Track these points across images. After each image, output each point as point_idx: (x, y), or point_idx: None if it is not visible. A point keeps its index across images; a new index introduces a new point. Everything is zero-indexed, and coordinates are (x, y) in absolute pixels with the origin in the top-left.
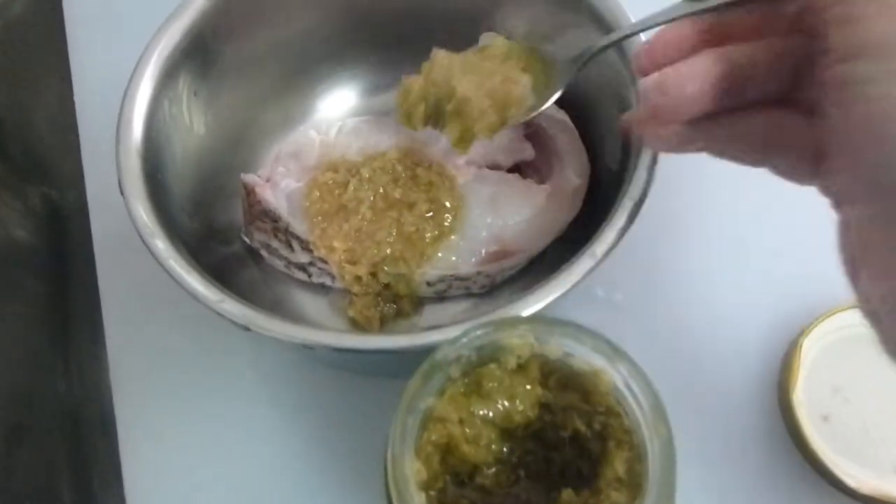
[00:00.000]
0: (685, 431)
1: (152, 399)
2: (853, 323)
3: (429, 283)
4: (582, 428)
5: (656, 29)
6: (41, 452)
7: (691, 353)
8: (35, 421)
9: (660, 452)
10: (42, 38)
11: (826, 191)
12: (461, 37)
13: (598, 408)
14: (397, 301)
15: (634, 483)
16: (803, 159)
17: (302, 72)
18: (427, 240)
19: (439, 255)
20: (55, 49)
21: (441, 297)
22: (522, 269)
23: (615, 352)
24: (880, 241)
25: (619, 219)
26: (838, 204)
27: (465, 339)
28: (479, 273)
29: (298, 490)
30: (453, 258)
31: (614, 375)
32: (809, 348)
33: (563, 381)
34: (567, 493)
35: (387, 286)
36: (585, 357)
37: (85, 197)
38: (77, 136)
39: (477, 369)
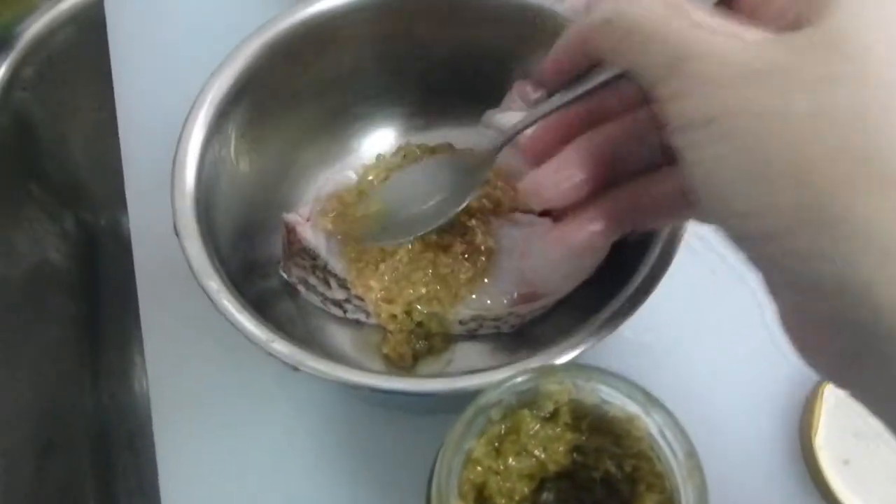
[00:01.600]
0: (708, 473)
1: (191, 425)
2: None
3: (461, 322)
4: (613, 469)
5: None
6: (70, 469)
7: (714, 396)
8: (65, 437)
9: (693, 498)
10: (85, 69)
11: None
12: (495, 82)
13: (630, 451)
14: (429, 338)
15: None
16: (687, 211)
17: (341, 112)
18: (462, 281)
19: (472, 296)
20: (97, 80)
21: (472, 335)
22: (549, 308)
23: (650, 400)
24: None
25: (655, 265)
26: None
27: (508, 384)
28: (510, 314)
29: None
30: (486, 300)
31: (648, 423)
32: (831, 392)
33: (596, 425)
34: None
35: (420, 324)
36: (620, 403)
37: (120, 222)
38: (118, 163)
39: (513, 414)
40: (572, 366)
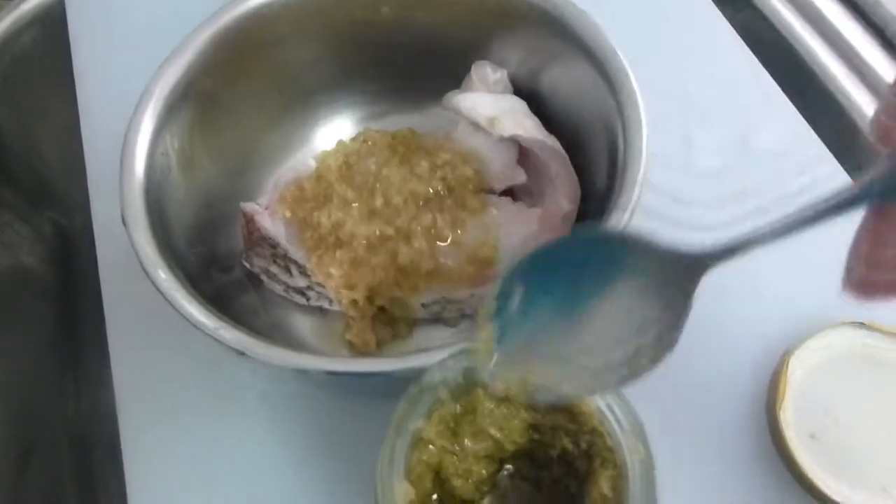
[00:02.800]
0: (673, 450)
1: (157, 421)
2: (840, 342)
3: (424, 306)
4: (569, 447)
5: None
6: (49, 473)
7: (679, 372)
8: (43, 443)
9: (639, 471)
10: (50, 69)
11: None
12: (457, 67)
13: (584, 427)
14: (393, 324)
15: (619, 501)
16: None
17: (300, 101)
18: (421, 272)
19: (434, 283)
20: (62, 79)
21: (436, 319)
22: None
23: None
24: None
25: None
26: None
27: (450, 363)
28: (472, 295)
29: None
30: (447, 282)
31: (596, 398)
32: (796, 367)
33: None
34: None
35: (382, 309)
36: None
37: (91, 223)
38: (84, 164)
39: (468, 394)
40: None
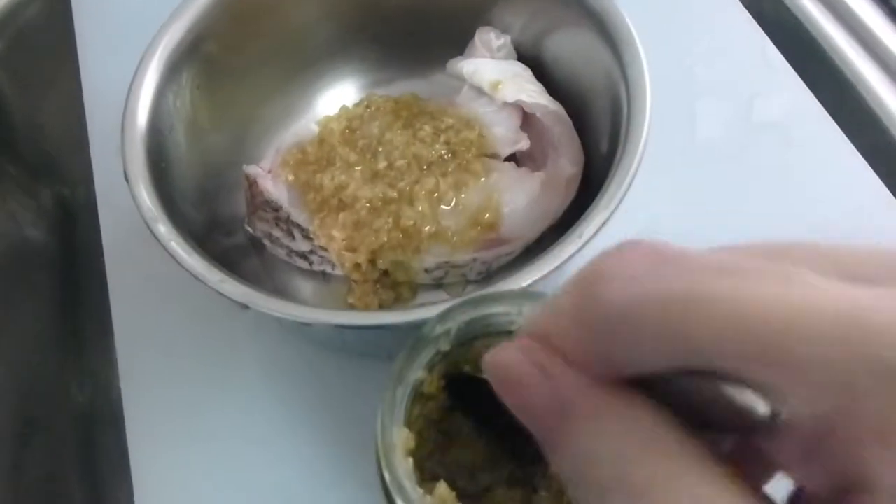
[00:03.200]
0: None
1: (159, 391)
2: None
3: (427, 270)
4: None
5: None
6: (51, 448)
7: None
8: (46, 417)
9: None
10: (53, 40)
11: None
12: (460, 33)
13: None
14: (396, 288)
15: None
16: None
17: (303, 67)
18: (424, 234)
19: (437, 245)
20: (65, 51)
21: (438, 284)
22: (518, 256)
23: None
24: None
25: (606, 202)
26: None
27: (451, 314)
28: (475, 260)
29: (302, 472)
30: (449, 244)
31: None
32: None
33: None
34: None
35: (385, 273)
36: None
37: (94, 194)
38: (86, 135)
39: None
40: (518, 292)
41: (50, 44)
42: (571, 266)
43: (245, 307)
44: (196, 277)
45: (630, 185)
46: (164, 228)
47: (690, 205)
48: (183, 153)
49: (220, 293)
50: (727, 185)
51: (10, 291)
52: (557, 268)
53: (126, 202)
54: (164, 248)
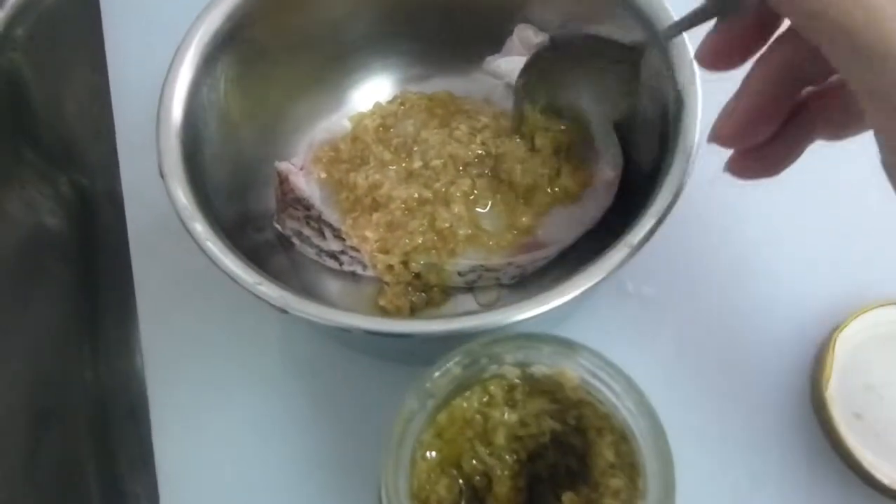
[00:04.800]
0: (717, 427)
1: (185, 385)
2: (887, 320)
3: (460, 274)
4: (558, 427)
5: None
6: (68, 437)
7: (723, 349)
8: (62, 406)
9: (646, 426)
10: (76, 28)
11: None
12: (498, 29)
13: (569, 402)
14: (427, 290)
15: (627, 463)
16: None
17: (337, 61)
18: (460, 237)
19: (471, 248)
20: (87, 39)
21: (471, 287)
22: (553, 260)
23: (572, 347)
24: None
25: (656, 209)
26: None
27: (436, 377)
28: (509, 264)
29: (326, 473)
30: (484, 248)
31: (577, 369)
32: (842, 345)
33: (527, 391)
34: (568, 497)
35: (417, 276)
36: (545, 361)
37: (115, 185)
38: (111, 125)
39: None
40: (490, 340)
41: (73, 30)
42: (618, 276)
43: (283, 311)
44: (233, 279)
45: (680, 192)
46: (200, 227)
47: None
48: (216, 148)
49: (256, 296)
50: (770, 186)
51: (27, 279)
52: (606, 277)
53: (153, 195)
54: (200, 248)
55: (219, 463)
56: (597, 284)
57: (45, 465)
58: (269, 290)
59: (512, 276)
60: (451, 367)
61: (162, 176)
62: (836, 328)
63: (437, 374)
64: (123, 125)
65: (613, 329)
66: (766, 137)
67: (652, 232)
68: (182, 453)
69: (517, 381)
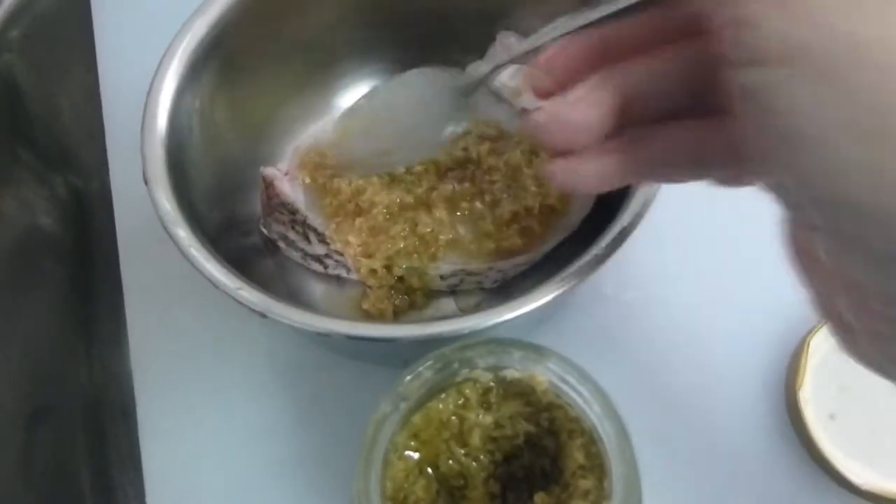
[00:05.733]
0: (692, 429)
1: (171, 385)
2: None
3: (442, 277)
4: (532, 429)
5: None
6: (61, 436)
7: (699, 351)
8: (56, 405)
9: (613, 430)
10: (69, 29)
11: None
12: (481, 36)
13: (540, 405)
14: (410, 294)
15: (596, 465)
16: (736, 165)
17: (322, 67)
18: (441, 242)
19: (453, 252)
20: (82, 41)
21: (453, 291)
22: (535, 265)
23: (540, 352)
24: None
25: (627, 216)
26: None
27: (411, 381)
28: (490, 268)
29: (311, 472)
30: (466, 253)
31: (547, 374)
32: (817, 347)
33: (501, 394)
34: (540, 497)
35: (401, 279)
36: (516, 365)
37: (108, 186)
38: (102, 126)
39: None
40: (462, 345)
41: (67, 32)
42: (595, 282)
43: (263, 315)
44: (214, 284)
45: (653, 199)
46: (183, 233)
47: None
48: (201, 154)
49: (237, 300)
50: (744, 193)
51: (21, 278)
52: (579, 282)
53: (142, 198)
54: (183, 253)
55: (204, 463)
56: (567, 290)
57: (39, 462)
58: (249, 294)
59: (494, 281)
60: (423, 371)
61: (146, 182)
62: (809, 331)
63: (408, 377)
64: (113, 129)
65: (592, 333)
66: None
67: (621, 239)
68: (168, 453)
69: (491, 384)
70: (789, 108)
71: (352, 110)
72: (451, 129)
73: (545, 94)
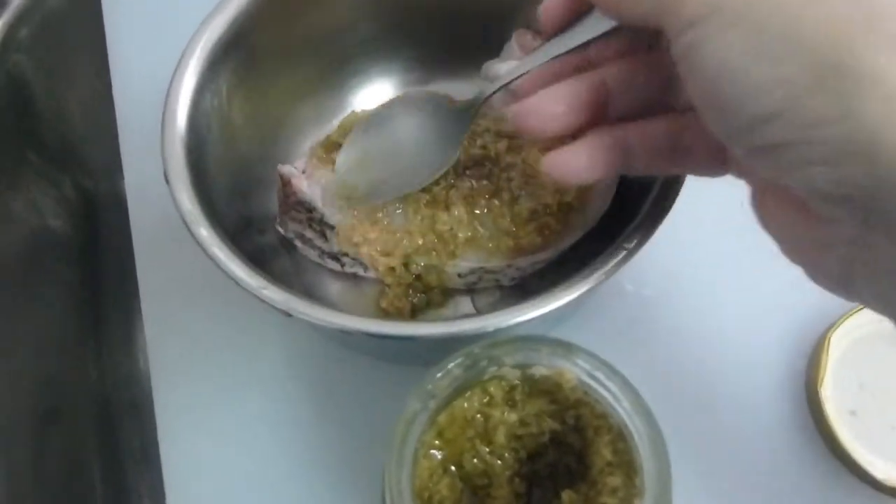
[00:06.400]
0: (713, 424)
1: (189, 385)
2: (879, 319)
3: (459, 275)
4: (557, 427)
5: None
6: (72, 436)
7: (720, 347)
8: (67, 405)
9: (641, 423)
10: (79, 30)
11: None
12: (497, 34)
13: (567, 403)
14: (428, 292)
15: (625, 462)
16: (709, 156)
17: (339, 65)
18: (460, 240)
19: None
20: (92, 41)
21: (470, 289)
22: (552, 262)
23: (570, 349)
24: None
25: (652, 213)
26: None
27: (440, 378)
28: (509, 266)
29: (330, 471)
30: (484, 251)
31: (575, 370)
32: (837, 343)
33: (527, 392)
34: (567, 494)
35: (418, 277)
36: (544, 362)
37: (119, 187)
38: (114, 127)
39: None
40: (490, 343)
41: (76, 32)
42: (617, 278)
43: (287, 314)
44: (237, 283)
45: (677, 195)
46: (205, 232)
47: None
48: (219, 153)
49: (261, 300)
50: None
51: (30, 279)
52: (602, 281)
53: (156, 198)
54: (206, 253)
55: (223, 461)
56: (593, 287)
57: (51, 463)
58: (273, 294)
59: (512, 278)
60: (452, 368)
61: (167, 181)
62: (829, 327)
63: (438, 375)
64: (126, 129)
65: (613, 330)
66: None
67: (647, 236)
68: (187, 452)
69: (517, 381)
70: (715, 51)
71: (347, 145)
72: (442, 159)
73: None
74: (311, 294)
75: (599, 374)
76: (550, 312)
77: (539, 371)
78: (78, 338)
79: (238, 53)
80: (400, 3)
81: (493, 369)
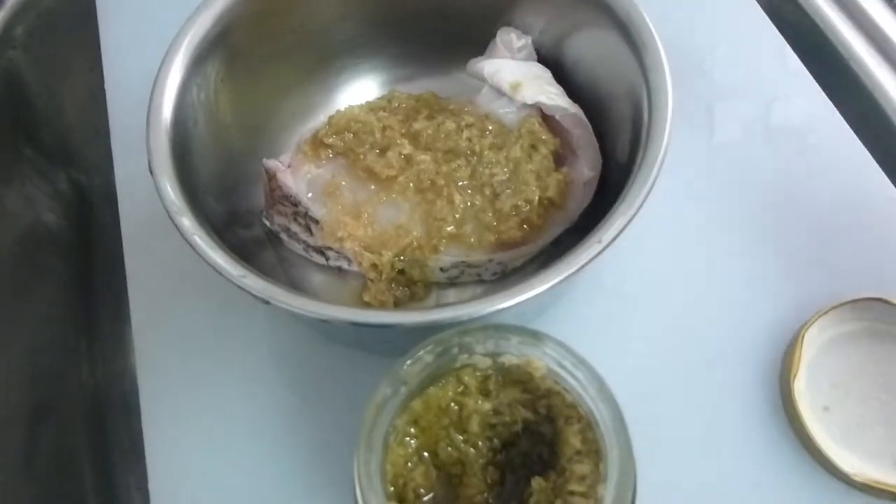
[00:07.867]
0: (687, 417)
1: (175, 379)
2: (852, 318)
3: (442, 269)
4: (530, 416)
5: None
6: (64, 433)
7: (696, 343)
8: (58, 402)
9: (608, 414)
10: (73, 26)
11: None
12: (482, 32)
13: (538, 392)
14: (411, 286)
15: (592, 450)
16: None
17: (325, 62)
18: (444, 234)
19: (454, 244)
20: (86, 38)
21: (453, 283)
22: (534, 257)
23: (537, 337)
24: None
25: (625, 208)
26: None
27: (410, 365)
28: (490, 260)
29: (314, 463)
30: (466, 245)
31: (544, 359)
32: (811, 340)
33: (500, 381)
34: (536, 482)
35: (401, 272)
36: (514, 351)
37: (112, 182)
38: (106, 123)
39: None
40: (461, 331)
41: (71, 29)
42: (589, 270)
43: (266, 302)
44: (218, 272)
45: (650, 190)
46: (187, 222)
47: (706, 208)
48: (205, 146)
49: (241, 288)
50: (743, 187)
51: (23, 274)
52: (577, 271)
53: (145, 193)
54: (188, 242)
55: (208, 454)
56: (566, 279)
57: (42, 458)
58: (253, 282)
59: (493, 273)
60: (423, 355)
61: (151, 172)
62: (804, 325)
63: (408, 361)
64: (117, 125)
65: (590, 322)
66: None
67: (620, 230)
68: (172, 445)
69: (490, 371)
70: None
71: None
72: None
73: None
74: (296, 287)
75: (566, 363)
76: (525, 302)
77: (509, 360)
78: (70, 333)
79: (224, 49)
80: (386, 2)
81: (464, 357)
